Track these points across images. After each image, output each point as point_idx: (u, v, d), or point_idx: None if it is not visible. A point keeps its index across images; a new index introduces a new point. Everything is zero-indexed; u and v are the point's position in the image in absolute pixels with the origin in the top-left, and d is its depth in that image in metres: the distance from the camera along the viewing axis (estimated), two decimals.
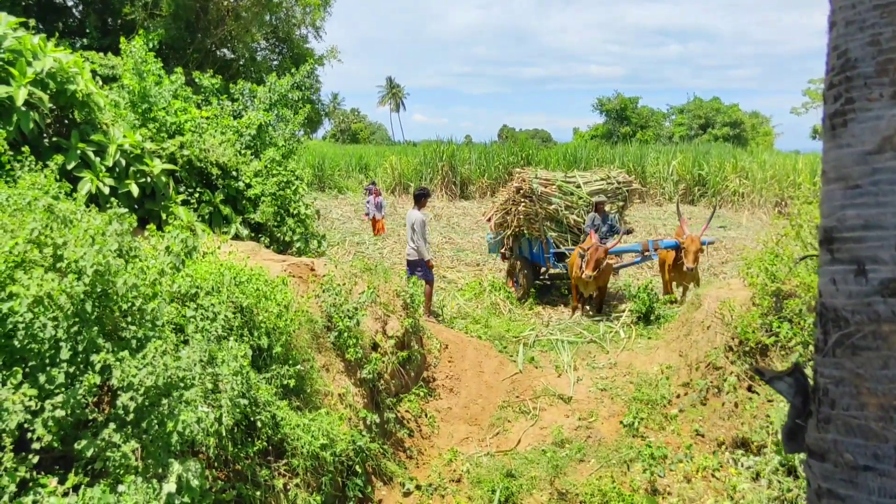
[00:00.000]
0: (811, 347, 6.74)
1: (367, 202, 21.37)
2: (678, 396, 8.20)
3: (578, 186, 13.65)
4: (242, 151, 9.49)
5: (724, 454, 7.01)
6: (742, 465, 6.69)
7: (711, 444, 7.24)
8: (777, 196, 26.06)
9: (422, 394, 8.37)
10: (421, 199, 11.38)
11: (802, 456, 5.78)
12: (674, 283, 12.89)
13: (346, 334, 7.18)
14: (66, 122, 7.34)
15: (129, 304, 4.50)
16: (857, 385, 1.40)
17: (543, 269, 14.67)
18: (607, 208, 13.26)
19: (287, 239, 9.44)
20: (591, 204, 13.22)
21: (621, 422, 8.20)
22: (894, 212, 1.33)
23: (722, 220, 23.97)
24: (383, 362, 7.61)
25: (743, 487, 6.48)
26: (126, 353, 4.30)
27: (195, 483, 4.31)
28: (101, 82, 8.62)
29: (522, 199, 13.48)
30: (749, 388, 7.35)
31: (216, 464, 5.16)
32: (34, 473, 4.10)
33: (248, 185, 9.27)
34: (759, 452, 6.66)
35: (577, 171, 16.06)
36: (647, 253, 12.75)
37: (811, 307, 6.97)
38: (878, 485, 1.34)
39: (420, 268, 10.97)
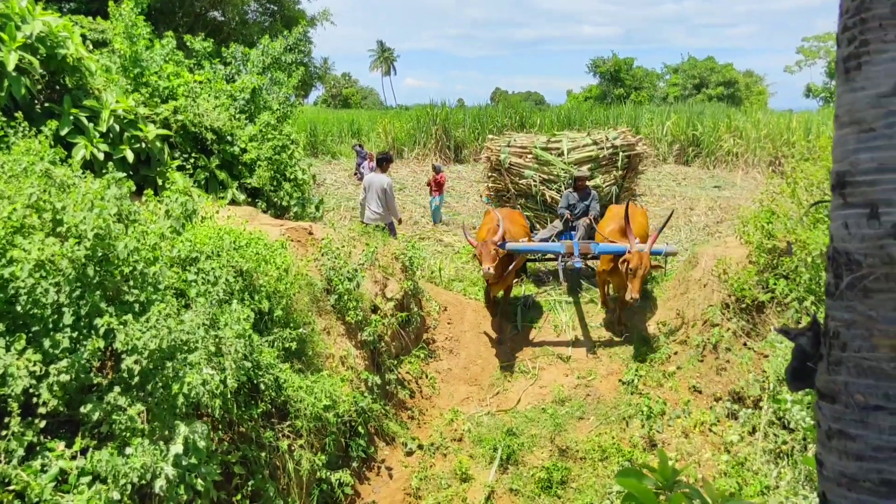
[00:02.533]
0: (806, 303, 6.79)
1: (362, 166, 21.25)
2: (676, 354, 8.28)
3: (561, 154, 11.15)
4: (237, 116, 9.40)
5: (720, 409, 7.10)
6: (738, 420, 6.79)
7: (708, 400, 7.33)
8: (771, 155, 26.01)
9: (422, 355, 8.43)
10: (383, 163, 11.30)
11: (798, 409, 5.86)
12: (609, 288, 9.98)
13: (345, 297, 7.20)
14: (58, 87, 7.24)
15: (131, 268, 4.49)
16: (868, 327, 1.42)
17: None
18: (598, 181, 10.90)
19: (284, 203, 9.40)
20: (571, 178, 10.75)
21: (620, 380, 8.29)
22: None
23: (716, 179, 23.95)
24: (383, 324, 7.65)
25: (738, 440, 6.59)
26: (129, 316, 4.31)
27: (202, 444, 4.35)
28: (91, 47, 8.48)
29: (491, 173, 11.79)
30: (745, 345, 7.42)
31: (221, 426, 5.20)
32: (41, 438, 4.13)
33: (244, 150, 9.20)
34: (755, 406, 6.74)
35: (566, 132, 12.78)
36: (569, 261, 9.19)
37: (807, 263, 7.01)
38: (889, 424, 1.36)
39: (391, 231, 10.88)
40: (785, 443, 6.13)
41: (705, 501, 2.31)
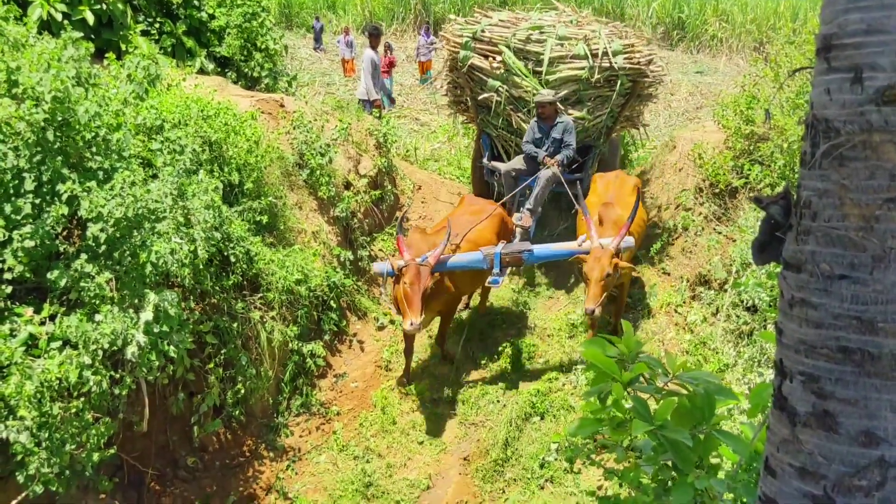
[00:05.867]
0: (777, 189, 6.83)
1: (338, 42, 20.51)
2: (646, 237, 8.35)
3: (541, 63, 7.72)
4: None
5: (686, 290, 7.25)
6: (702, 301, 6.96)
7: (676, 282, 7.47)
8: (756, 41, 25.51)
9: (395, 233, 8.42)
10: (372, 37, 10.66)
11: (759, 291, 6.00)
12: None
13: (318, 172, 7.10)
14: None
15: (93, 134, 4.34)
16: (840, 196, 1.40)
17: None
18: (582, 112, 7.86)
19: (255, 75, 9.09)
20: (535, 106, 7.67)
21: None
22: None
23: (699, 65, 23.57)
24: (356, 201, 7.59)
25: (701, 321, 6.78)
26: (93, 184, 4.20)
27: (172, 312, 4.37)
28: None
29: (450, 73, 8.67)
30: (714, 229, 7.51)
31: (192, 296, 5.22)
32: (9, 303, 4.11)
33: (212, 16, 8.79)
34: (720, 289, 6.90)
35: (557, 20, 8.56)
36: (491, 278, 6.34)
37: (783, 149, 7.00)
38: (851, 292, 1.36)
39: (367, 106, 10.51)
40: (746, 323, 6.32)
41: (665, 371, 2.37)
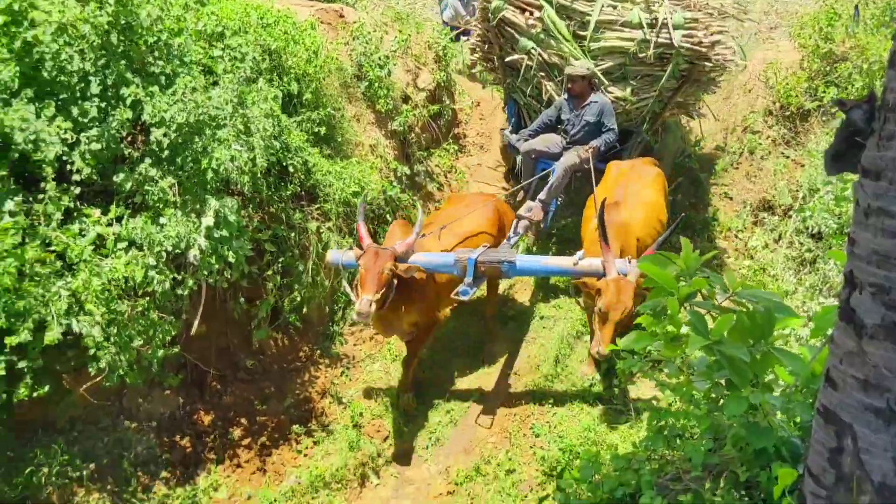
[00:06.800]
0: None
1: None
2: (710, 161, 8.11)
3: (586, 26, 6.44)
4: None
5: (749, 216, 7.06)
6: (765, 227, 6.78)
7: (738, 206, 7.28)
8: None
9: (452, 150, 8.36)
10: None
11: (828, 216, 5.80)
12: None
13: (376, 84, 7.03)
14: None
15: (155, 38, 4.36)
16: None
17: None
18: (625, 92, 6.55)
19: None
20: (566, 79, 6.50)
21: None
22: None
23: None
24: (414, 115, 7.51)
25: (762, 247, 6.63)
26: (155, 88, 4.25)
27: (232, 218, 4.46)
28: None
29: (476, 24, 7.48)
30: (782, 153, 7.25)
31: (251, 204, 5.31)
32: (77, 204, 4.25)
33: None
34: (784, 215, 6.71)
35: None
36: (461, 287, 5.07)
37: (862, 70, 6.65)
38: None
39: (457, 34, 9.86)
40: (809, 251, 6.16)
41: (725, 288, 2.32)
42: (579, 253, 4.94)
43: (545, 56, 6.61)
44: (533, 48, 6.61)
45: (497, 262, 5.04)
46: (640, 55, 6.33)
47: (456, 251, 5.11)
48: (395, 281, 4.73)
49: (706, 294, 2.37)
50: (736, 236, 7.00)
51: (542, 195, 6.34)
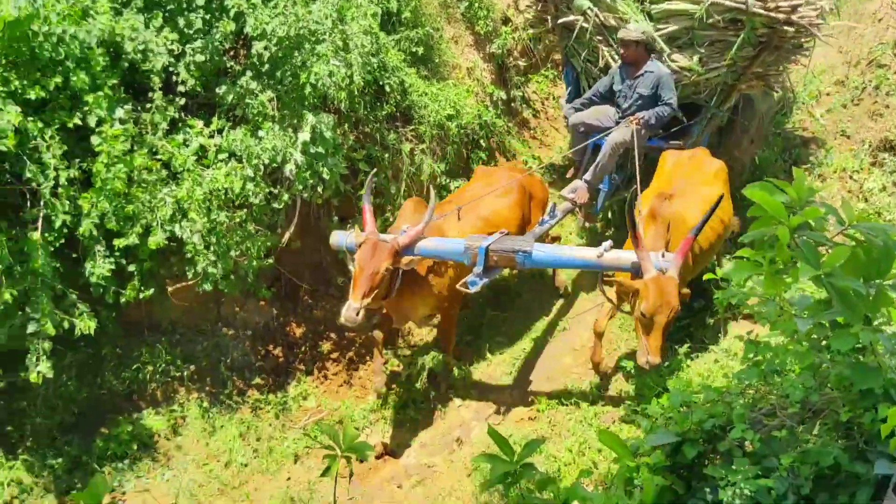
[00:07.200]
0: None
1: None
2: (828, 94, 7.57)
3: None
4: None
5: (867, 156, 6.60)
6: (885, 168, 6.33)
7: (856, 146, 6.80)
8: None
9: (551, 76, 8.09)
10: None
11: None
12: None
13: (476, 5, 6.86)
14: None
15: None
16: None
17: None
18: (691, 62, 5.64)
19: None
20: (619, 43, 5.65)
21: None
22: None
23: None
24: (513, 38, 7.30)
25: (879, 190, 6.20)
26: (258, 0, 4.27)
27: (328, 135, 4.50)
28: None
29: None
30: None
31: (347, 123, 5.32)
32: (182, 115, 4.38)
33: None
34: None
35: None
36: (469, 278, 4.52)
37: None
38: None
39: None
40: None
41: (840, 220, 2.16)
42: (605, 244, 4.32)
43: (601, 17, 5.83)
44: (589, 8, 5.81)
45: (511, 252, 4.47)
46: (709, 19, 5.46)
47: (467, 238, 4.57)
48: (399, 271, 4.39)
49: (816, 228, 2.22)
50: (851, 177, 6.55)
51: (587, 175, 5.70)
